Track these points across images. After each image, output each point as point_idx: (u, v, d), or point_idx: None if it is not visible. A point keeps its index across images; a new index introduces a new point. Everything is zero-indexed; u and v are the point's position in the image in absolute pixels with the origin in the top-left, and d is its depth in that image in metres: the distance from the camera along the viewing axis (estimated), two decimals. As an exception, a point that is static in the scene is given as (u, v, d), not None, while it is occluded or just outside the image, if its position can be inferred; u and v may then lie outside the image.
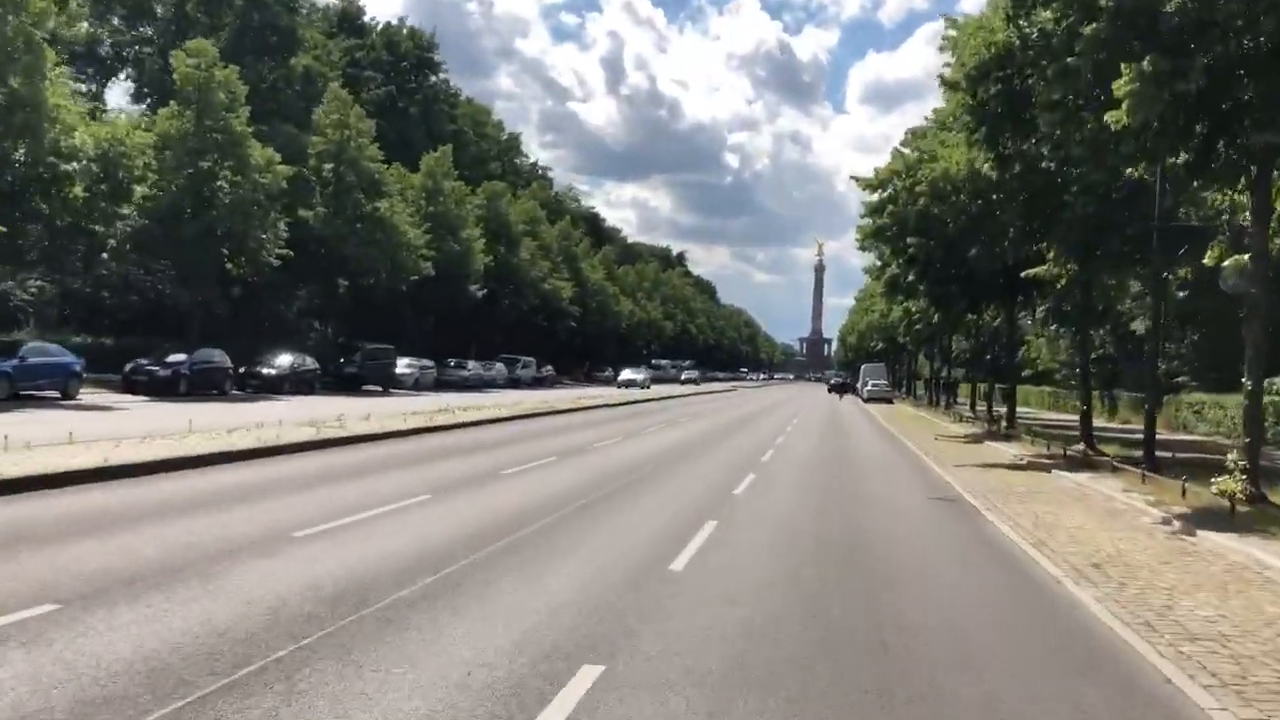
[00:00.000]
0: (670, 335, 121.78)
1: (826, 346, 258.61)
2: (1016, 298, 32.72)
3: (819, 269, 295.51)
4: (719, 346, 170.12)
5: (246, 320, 47.94)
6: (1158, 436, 19.75)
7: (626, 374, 72.58)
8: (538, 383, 65.47)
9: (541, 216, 75.09)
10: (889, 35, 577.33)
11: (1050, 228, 21.73)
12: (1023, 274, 26.27)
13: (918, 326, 52.77)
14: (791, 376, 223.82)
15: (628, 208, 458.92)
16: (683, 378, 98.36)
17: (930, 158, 24.96)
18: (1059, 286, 24.31)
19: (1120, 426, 39.80)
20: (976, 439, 30.02)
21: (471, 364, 54.87)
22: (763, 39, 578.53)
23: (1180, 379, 40.89)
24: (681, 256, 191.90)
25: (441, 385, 52.03)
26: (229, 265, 37.79)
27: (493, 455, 18.01)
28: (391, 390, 44.67)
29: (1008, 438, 28.87)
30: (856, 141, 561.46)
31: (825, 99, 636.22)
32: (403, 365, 49.53)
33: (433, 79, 76.37)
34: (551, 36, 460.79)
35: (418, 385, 48.36)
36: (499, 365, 59.94)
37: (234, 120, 36.16)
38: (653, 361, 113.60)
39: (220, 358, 33.59)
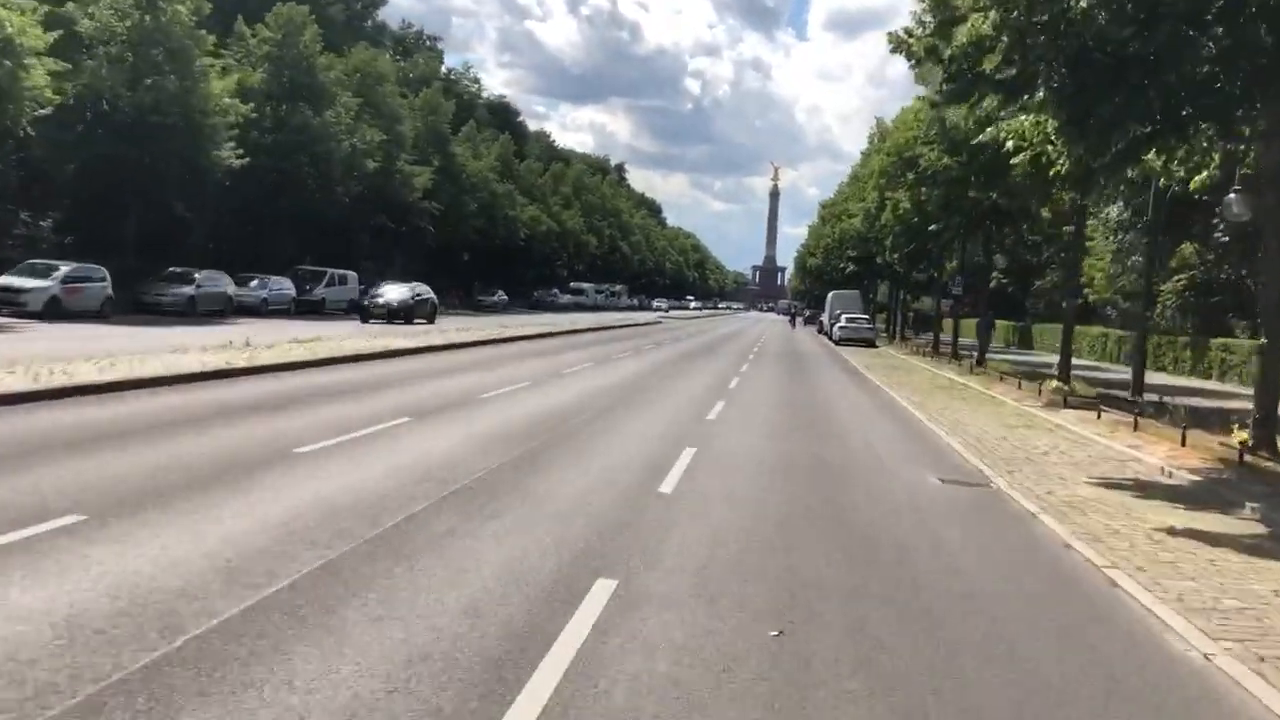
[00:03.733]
0: (595, 253, 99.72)
1: (780, 275, 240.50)
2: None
3: (774, 194, 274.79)
4: (660, 270, 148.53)
5: None
6: None
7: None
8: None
9: (387, 75, 52.81)
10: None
11: None
12: None
13: (934, 226, 32.19)
14: (742, 306, 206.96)
15: (585, 131, 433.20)
16: (377, 295, 38.84)
17: None
18: None
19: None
20: None
21: (204, 275, 33.02)
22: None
23: None
24: (621, 168, 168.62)
25: (143, 309, 30.95)
26: None
27: None
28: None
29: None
30: (818, 70, 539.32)
31: (788, 25, 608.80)
32: (54, 277, 28.37)
33: None
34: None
35: (58, 309, 27.01)
36: (276, 281, 38.34)
37: None
38: (572, 285, 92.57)
39: None
